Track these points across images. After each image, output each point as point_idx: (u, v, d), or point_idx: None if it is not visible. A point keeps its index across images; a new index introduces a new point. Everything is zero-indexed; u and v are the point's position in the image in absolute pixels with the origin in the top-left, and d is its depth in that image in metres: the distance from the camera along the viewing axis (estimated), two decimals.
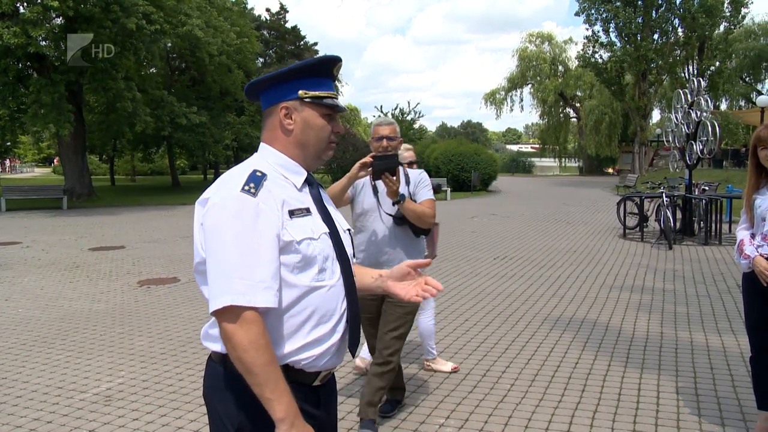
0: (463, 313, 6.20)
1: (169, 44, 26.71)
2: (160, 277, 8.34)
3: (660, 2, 31.60)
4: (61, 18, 19.49)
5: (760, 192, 3.22)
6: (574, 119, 49.79)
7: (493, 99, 50.02)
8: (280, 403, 1.44)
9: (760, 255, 3.13)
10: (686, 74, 33.86)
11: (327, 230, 1.63)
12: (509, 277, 8.05)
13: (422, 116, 40.53)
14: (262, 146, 1.70)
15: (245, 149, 31.06)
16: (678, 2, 31.31)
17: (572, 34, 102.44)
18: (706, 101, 11.32)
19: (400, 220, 3.44)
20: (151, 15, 19.59)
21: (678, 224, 11.31)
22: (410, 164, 4.55)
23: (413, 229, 3.49)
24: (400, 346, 3.53)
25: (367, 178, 3.43)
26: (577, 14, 33.35)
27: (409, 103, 74.31)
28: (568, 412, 3.78)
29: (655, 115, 42.99)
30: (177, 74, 31.30)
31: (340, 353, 1.67)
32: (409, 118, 35.72)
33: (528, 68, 47.63)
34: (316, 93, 1.64)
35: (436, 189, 4.55)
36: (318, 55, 1.72)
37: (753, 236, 3.24)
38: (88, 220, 16.50)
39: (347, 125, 31.04)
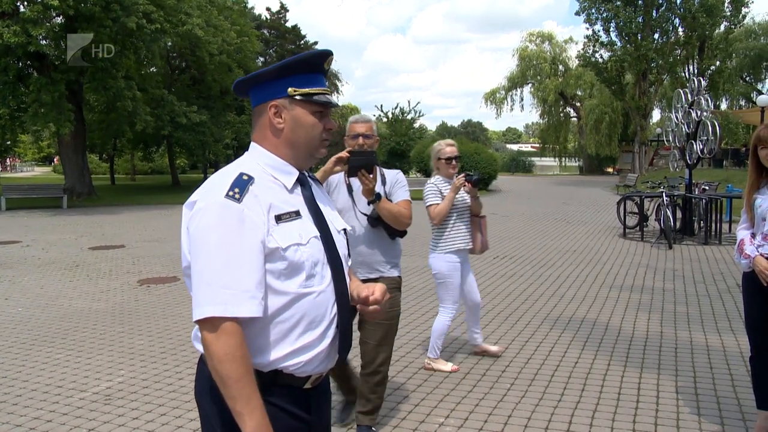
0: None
1: (170, 43, 26.66)
2: (160, 276, 8.34)
3: (660, 2, 31.54)
4: (61, 17, 19.48)
5: (761, 191, 3.23)
6: (575, 119, 49.72)
7: (494, 98, 49.94)
8: (251, 419, 1.41)
9: (761, 254, 3.13)
10: (686, 74, 33.78)
11: (317, 234, 1.58)
12: (509, 276, 8.05)
13: (422, 115, 40.42)
14: (253, 146, 1.67)
15: (245, 148, 29.83)
16: (678, 2, 31.25)
17: (572, 34, 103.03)
18: (707, 101, 11.32)
19: (375, 220, 3.26)
20: (152, 14, 19.57)
21: (678, 224, 11.30)
22: (452, 159, 4.46)
23: (388, 230, 3.31)
24: (389, 353, 3.37)
25: (341, 175, 3.25)
26: (577, 14, 33.29)
27: (409, 102, 74.45)
28: (567, 411, 3.78)
29: (656, 115, 42.91)
30: (177, 73, 31.27)
31: (330, 358, 1.63)
32: (409, 117, 35.76)
33: (528, 68, 47.54)
34: (306, 90, 1.59)
35: (476, 183, 4.45)
36: (307, 51, 1.67)
37: (753, 236, 3.24)
38: (88, 219, 16.50)
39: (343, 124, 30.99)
